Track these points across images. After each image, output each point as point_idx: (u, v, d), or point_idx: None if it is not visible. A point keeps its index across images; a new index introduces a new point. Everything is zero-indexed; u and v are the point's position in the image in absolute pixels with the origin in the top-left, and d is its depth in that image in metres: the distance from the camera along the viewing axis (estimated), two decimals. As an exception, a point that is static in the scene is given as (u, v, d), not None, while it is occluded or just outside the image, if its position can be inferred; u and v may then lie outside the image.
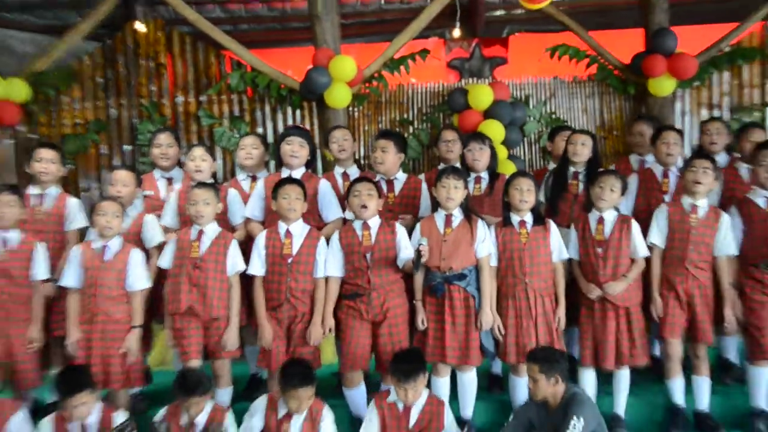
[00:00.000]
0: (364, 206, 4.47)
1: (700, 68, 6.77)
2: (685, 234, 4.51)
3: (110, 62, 7.07)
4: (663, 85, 6.74)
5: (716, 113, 7.08)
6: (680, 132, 5.17)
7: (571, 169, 5.07)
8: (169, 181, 5.35)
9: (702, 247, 4.51)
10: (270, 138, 7.07)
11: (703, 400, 4.58)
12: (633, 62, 6.89)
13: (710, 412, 4.58)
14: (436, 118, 7.31)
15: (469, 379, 4.51)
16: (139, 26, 6.90)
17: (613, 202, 4.56)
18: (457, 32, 7.12)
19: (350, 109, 6.96)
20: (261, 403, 4.19)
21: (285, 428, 4.04)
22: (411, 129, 7.31)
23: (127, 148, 7.06)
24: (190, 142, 6.91)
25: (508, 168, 6.14)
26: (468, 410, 4.55)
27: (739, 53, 7.03)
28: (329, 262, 4.54)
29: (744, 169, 5.06)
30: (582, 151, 4.99)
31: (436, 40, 8.49)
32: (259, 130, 7.08)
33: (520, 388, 4.50)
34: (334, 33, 6.69)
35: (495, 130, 6.59)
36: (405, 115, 7.36)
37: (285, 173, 4.93)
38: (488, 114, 6.71)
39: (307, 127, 7.04)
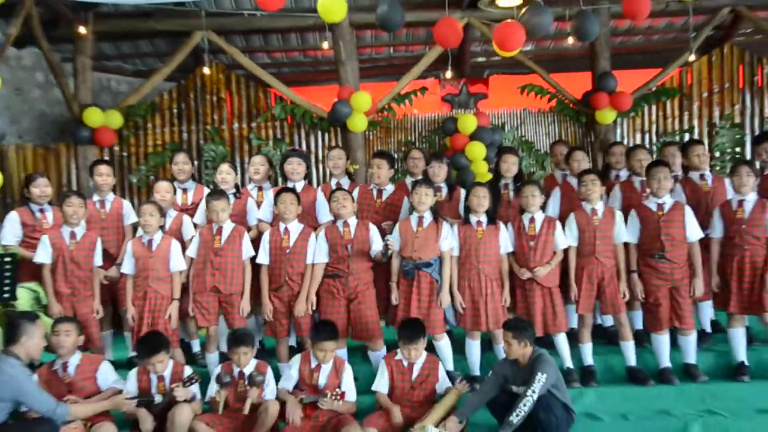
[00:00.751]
0: (343, 207, 4.48)
1: (634, 103, 6.83)
2: (592, 232, 4.50)
3: (183, 97, 7.06)
4: (606, 116, 6.77)
5: (647, 137, 7.13)
6: (586, 151, 5.12)
7: (503, 181, 5.05)
8: (184, 191, 5.27)
9: (606, 240, 4.51)
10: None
11: (631, 359, 4.56)
12: (583, 98, 6.91)
13: (641, 367, 4.55)
14: (433, 140, 7.28)
15: (443, 344, 4.50)
16: (206, 70, 6.93)
17: (537, 205, 4.54)
18: (449, 74, 7.11)
19: (366, 133, 6.95)
20: (297, 358, 4.24)
21: (315, 377, 4.09)
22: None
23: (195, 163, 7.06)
24: (243, 158, 6.97)
25: (488, 179, 6.09)
26: (449, 365, 4.49)
27: (663, 92, 7.06)
28: (316, 252, 4.50)
29: (637, 182, 5.00)
30: (511, 168, 4.99)
31: (433, 80, 8.56)
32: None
33: (474, 348, 4.55)
34: (354, 74, 6.76)
35: (478, 149, 6.62)
36: (409, 138, 7.32)
37: (290, 185, 4.92)
38: (473, 137, 6.72)
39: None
